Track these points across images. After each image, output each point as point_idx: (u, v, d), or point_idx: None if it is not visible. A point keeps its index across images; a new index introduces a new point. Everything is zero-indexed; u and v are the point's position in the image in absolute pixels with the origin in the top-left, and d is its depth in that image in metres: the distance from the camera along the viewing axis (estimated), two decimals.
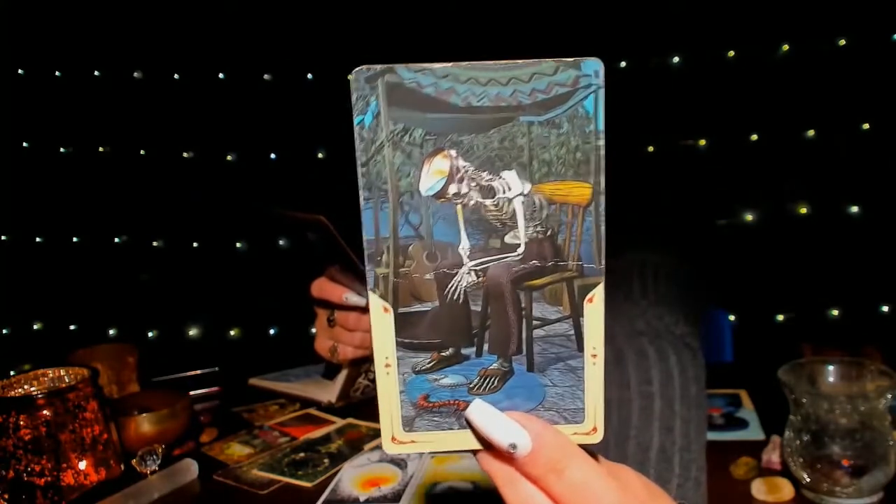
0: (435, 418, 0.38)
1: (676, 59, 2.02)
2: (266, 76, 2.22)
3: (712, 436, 0.84)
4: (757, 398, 1.02)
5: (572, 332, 0.38)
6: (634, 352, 0.79)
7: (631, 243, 0.95)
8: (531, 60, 0.35)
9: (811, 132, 1.99)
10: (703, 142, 2.07)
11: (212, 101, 2.21)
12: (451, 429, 0.38)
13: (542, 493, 0.37)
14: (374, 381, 1.13)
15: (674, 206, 1.88)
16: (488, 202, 0.37)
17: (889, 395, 0.72)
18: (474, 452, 0.39)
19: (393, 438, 0.39)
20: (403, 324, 0.38)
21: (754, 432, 0.92)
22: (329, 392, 1.06)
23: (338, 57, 2.12)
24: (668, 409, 0.74)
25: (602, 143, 0.36)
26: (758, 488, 0.78)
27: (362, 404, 1.07)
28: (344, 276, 0.92)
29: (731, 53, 2.01)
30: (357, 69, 0.35)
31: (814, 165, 2.01)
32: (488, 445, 0.37)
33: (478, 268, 0.38)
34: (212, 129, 2.24)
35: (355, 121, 0.35)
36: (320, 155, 2.25)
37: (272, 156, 2.26)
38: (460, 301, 0.38)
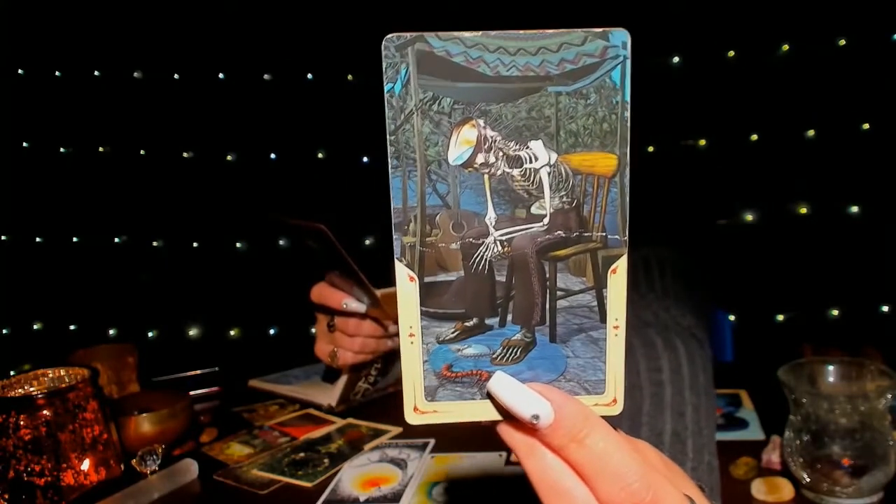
0: (457, 388, 0.39)
1: (676, 59, 2.02)
2: (266, 76, 2.22)
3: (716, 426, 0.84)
4: (757, 398, 1.02)
5: (595, 303, 0.38)
6: (642, 342, 0.79)
7: (636, 239, 0.96)
8: (560, 30, 0.35)
9: (811, 132, 1.99)
10: (703, 142, 2.07)
11: (212, 101, 2.21)
12: (474, 399, 0.39)
13: (564, 462, 0.37)
14: (374, 384, 1.14)
15: (676, 205, 1.88)
16: (515, 172, 0.37)
17: (889, 395, 0.72)
18: (495, 423, 0.39)
19: (415, 408, 0.39)
20: (428, 293, 0.38)
21: (754, 432, 0.92)
22: (329, 396, 1.06)
23: (338, 57, 2.12)
24: (678, 395, 0.74)
25: (628, 114, 0.36)
26: (758, 488, 0.78)
27: (363, 405, 1.07)
28: (343, 282, 0.92)
29: (731, 53, 2.01)
30: (387, 37, 0.35)
31: (814, 165, 2.01)
32: (509, 416, 0.38)
33: (503, 238, 0.38)
34: (212, 129, 2.24)
35: (385, 88, 0.36)
36: (320, 155, 2.25)
37: (272, 156, 2.26)
38: (485, 271, 0.38)
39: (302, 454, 0.92)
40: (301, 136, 2.23)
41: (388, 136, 0.36)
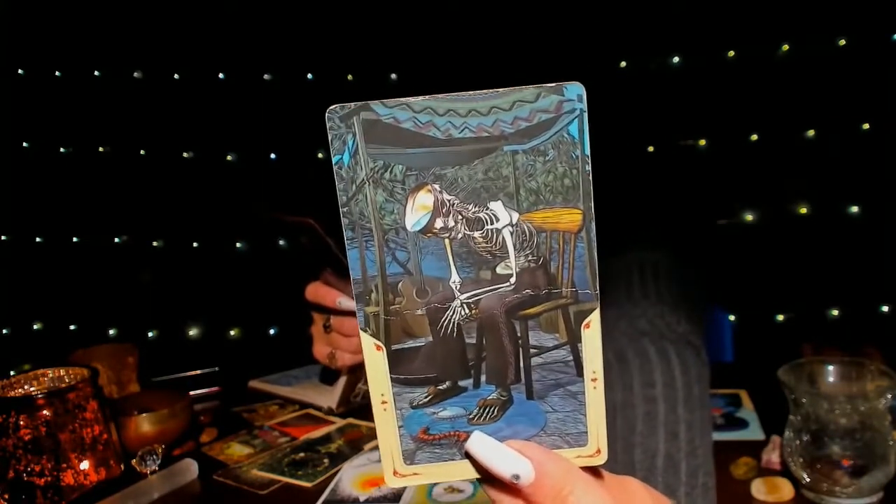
0: (436, 450, 0.38)
1: (676, 59, 2.02)
2: (266, 76, 2.22)
3: (712, 436, 0.84)
4: (757, 398, 1.02)
5: (570, 358, 0.37)
6: (636, 353, 0.78)
7: (630, 242, 0.95)
8: (512, 88, 0.35)
9: (811, 132, 1.99)
10: (703, 142, 2.07)
11: (212, 101, 2.21)
12: (454, 459, 0.38)
13: None
14: None
15: (673, 206, 1.88)
16: (476, 234, 0.36)
17: (889, 395, 0.72)
18: (480, 481, 0.38)
19: (395, 472, 0.38)
20: (397, 360, 0.37)
21: (754, 432, 0.92)
22: (330, 398, 1.05)
23: (338, 57, 2.12)
24: (671, 413, 0.74)
25: (589, 167, 0.35)
26: (758, 488, 0.78)
27: (363, 406, 1.06)
28: (338, 279, 0.92)
29: (731, 53, 2.01)
30: (331, 108, 0.34)
31: (814, 165, 2.01)
32: (491, 476, 0.37)
33: (470, 300, 0.37)
34: (212, 129, 2.24)
35: (333, 160, 0.35)
36: (320, 155, 2.25)
37: (272, 156, 2.26)
38: (454, 335, 0.38)
39: (302, 454, 0.92)
40: (301, 136, 2.23)
41: (340, 209, 0.36)
